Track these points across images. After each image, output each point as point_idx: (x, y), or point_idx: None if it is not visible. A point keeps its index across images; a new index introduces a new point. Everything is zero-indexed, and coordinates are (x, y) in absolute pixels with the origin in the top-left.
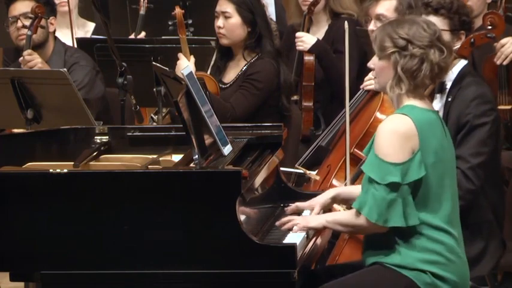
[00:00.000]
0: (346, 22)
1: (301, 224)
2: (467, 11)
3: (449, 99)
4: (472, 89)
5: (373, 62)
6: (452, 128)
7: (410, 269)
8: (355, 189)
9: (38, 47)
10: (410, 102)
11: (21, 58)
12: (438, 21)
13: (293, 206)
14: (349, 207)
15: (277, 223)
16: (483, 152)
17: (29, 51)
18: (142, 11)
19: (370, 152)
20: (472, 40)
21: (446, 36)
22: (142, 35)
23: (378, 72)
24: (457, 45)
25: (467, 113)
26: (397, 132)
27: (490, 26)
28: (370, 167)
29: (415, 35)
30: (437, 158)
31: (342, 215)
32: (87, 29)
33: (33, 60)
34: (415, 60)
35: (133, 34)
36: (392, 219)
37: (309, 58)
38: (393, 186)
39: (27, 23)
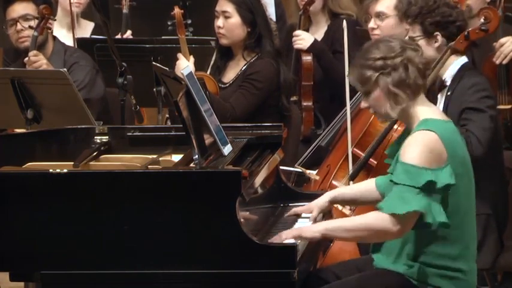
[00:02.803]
0: (344, 21)
1: (296, 233)
2: (443, 10)
3: (449, 93)
4: (468, 79)
5: (365, 102)
6: (454, 119)
7: (424, 283)
8: (352, 190)
9: (38, 48)
10: (425, 113)
11: (26, 59)
12: (413, 29)
13: (291, 211)
14: (353, 208)
15: (269, 240)
16: (489, 127)
17: (35, 52)
18: (125, 10)
19: (396, 164)
20: (466, 33)
21: (421, 42)
22: (128, 33)
23: (375, 106)
24: (437, 45)
25: (465, 100)
26: (425, 144)
27: (484, 20)
28: (399, 176)
29: (385, 50)
30: (465, 168)
31: (352, 220)
32: (86, 29)
33: (39, 62)
34: (399, 70)
35: (119, 34)
36: (437, 215)
37: (306, 58)
38: (428, 187)
39: (27, 25)
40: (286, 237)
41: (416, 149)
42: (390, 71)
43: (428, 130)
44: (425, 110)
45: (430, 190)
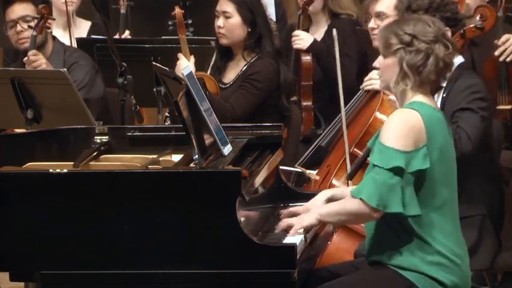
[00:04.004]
0: (334, 30)
1: (297, 226)
2: (452, 7)
3: (445, 94)
4: (464, 80)
5: (379, 61)
6: (448, 120)
7: (412, 271)
8: (350, 190)
9: (38, 48)
10: (418, 98)
11: (25, 58)
12: None
13: (288, 211)
14: None
15: (275, 230)
16: (479, 126)
17: (34, 51)
18: (123, 10)
19: (375, 144)
20: (462, 32)
21: None
22: (127, 34)
23: (383, 70)
24: None
25: (458, 101)
26: (404, 123)
27: (480, 18)
28: (374, 155)
29: (420, 31)
30: (443, 155)
31: (336, 204)
32: (81, 27)
33: (38, 61)
34: (420, 55)
35: (117, 34)
36: (391, 205)
37: (306, 58)
38: (396, 171)
39: (26, 26)
40: (291, 232)
41: (394, 129)
42: (412, 51)
43: (411, 109)
44: (421, 97)
45: (397, 173)
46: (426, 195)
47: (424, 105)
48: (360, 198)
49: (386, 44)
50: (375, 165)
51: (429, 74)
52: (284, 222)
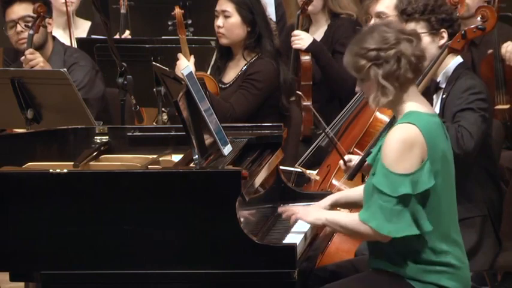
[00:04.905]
0: None
1: (299, 215)
2: (446, 8)
3: (444, 96)
4: (463, 82)
5: (359, 87)
6: (449, 121)
7: (415, 280)
8: (353, 193)
9: (38, 48)
10: (412, 106)
11: (22, 57)
12: (416, 26)
13: (289, 213)
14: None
15: (279, 209)
16: (480, 126)
17: (31, 50)
18: (123, 10)
19: (377, 163)
20: (463, 32)
21: (427, 38)
22: (127, 34)
23: (367, 92)
24: (442, 43)
25: (458, 103)
26: (404, 142)
27: (481, 18)
28: (379, 179)
29: (380, 41)
30: (445, 162)
31: (345, 219)
32: (81, 28)
33: (35, 60)
34: (391, 62)
35: (117, 34)
36: (403, 229)
37: (305, 58)
38: (403, 198)
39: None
40: (293, 214)
41: (397, 152)
42: (382, 63)
43: (409, 123)
44: (413, 103)
45: (404, 201)
46: (429, 207)
47: (420, 114)
48: (370, 227)
49: (358, 68)
50: (381, 191)
51: (405, 74)
52: (290, 211)
